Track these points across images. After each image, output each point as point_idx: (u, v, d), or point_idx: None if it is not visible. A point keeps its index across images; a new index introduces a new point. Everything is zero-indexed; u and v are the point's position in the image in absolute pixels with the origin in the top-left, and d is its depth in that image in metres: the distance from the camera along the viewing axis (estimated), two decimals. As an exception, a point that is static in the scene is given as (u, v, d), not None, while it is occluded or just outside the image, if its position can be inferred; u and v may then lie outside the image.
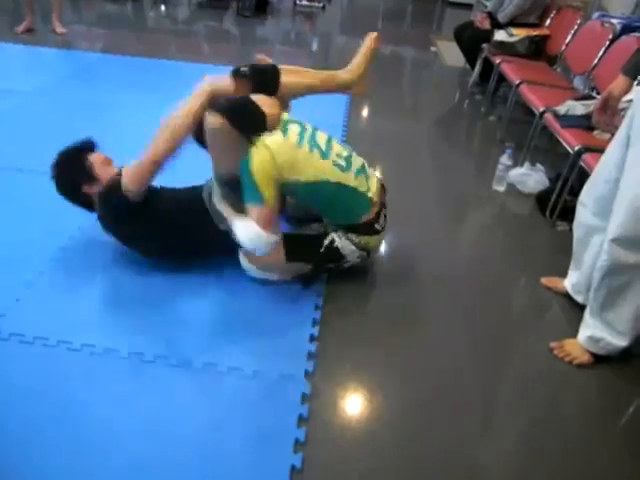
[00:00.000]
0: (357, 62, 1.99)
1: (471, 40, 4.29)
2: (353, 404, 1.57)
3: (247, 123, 1.69)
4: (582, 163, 2.30)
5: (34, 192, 2.36)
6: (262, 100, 1.74)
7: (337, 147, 1.86)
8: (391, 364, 1.72)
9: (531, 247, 2.44)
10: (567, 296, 2.05)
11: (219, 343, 1.71)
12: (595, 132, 2.46)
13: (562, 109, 2.69)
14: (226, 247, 1.95)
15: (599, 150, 1.93)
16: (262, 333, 1.77)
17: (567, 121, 2.60)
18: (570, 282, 2.04)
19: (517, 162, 2.98)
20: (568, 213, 2.32)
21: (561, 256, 2.14)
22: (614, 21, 3.25)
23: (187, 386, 1.55)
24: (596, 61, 3.12)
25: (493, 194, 2.84)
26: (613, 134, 1.77)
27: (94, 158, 1.91)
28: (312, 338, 1.75)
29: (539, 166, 2.89)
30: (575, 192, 2.02)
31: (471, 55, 4.43)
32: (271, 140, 1.71)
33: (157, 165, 1.77)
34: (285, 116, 1.83)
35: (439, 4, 8.69)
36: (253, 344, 1.72)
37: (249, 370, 1.61)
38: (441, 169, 3.11)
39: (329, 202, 1.85)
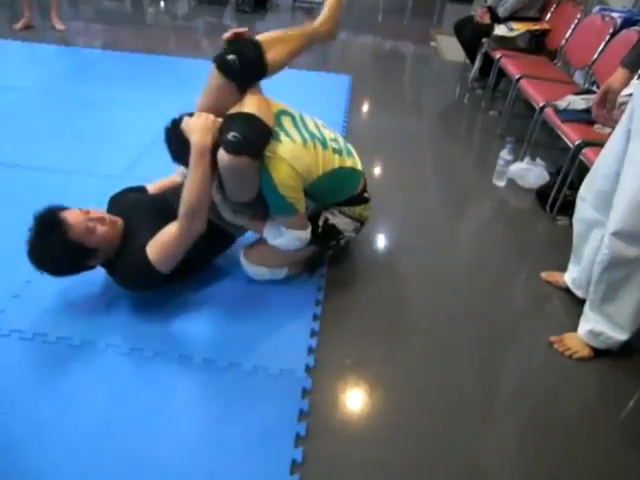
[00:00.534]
0: (325, 10, 1.92)
1: (471, 35, 4.28)
2: (353, 399, 1.58)
3: (262, 147, 1.61)
4: (582, 157, 2.29)
5: (32, 188, 2.36)
6: (255, 105, 1.65)
7: (327, 131, 1.88)
8: (391, 359, 1.72)
9: (531, 242, 2.44)
10: (567, 290, 2.05)
11: (219, 339, 1.71)
12: (595, 126, 2.45)
13: (562, 104, 2.68)
14: (225, 245, 1.96)
15: (599, 144, 1.93)
16: (262, 328, 1.77)
17: (567, 115, 2.59)
18: (570, 276, 2.04)
19: (517, 157, 2.97)
20: (568, 208, 2.32)
21: (561, 251, 2.14)
22: (614, 15, 3.23)
23: (187, 382, 1.56)
24: (596, 55, 3.10)
25: (493, 189, 2.84)
26: (613, 128, 1.76)
27: (71, 219, 1.60)
28: (313, 333, 1.75)
29: (539, 161, 2.89)
30: (575, 187, 2.01)
31: (471, 50, 4.41)
32: (284, 150, 1.65)
33: (190, 239, 1.66)
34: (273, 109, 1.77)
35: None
36: (253, 339, 1.72)
37: (249, 365, 1.61)
38: (441, 164, 3.10)
39: (332, 188, 1.85)
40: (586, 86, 3.14)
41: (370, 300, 1.97)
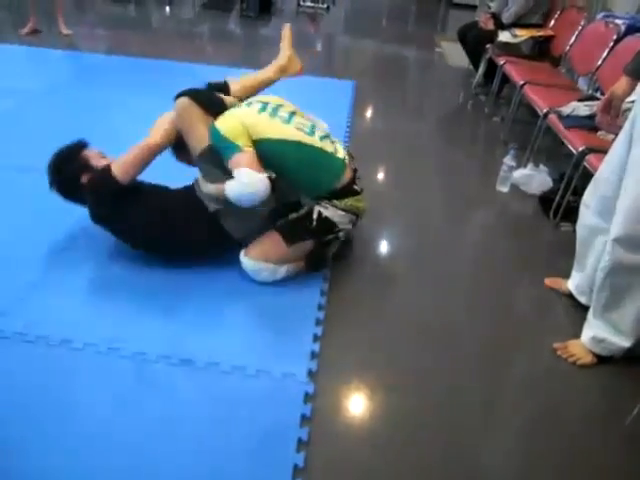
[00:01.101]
0: (283, 49, 2.24)
1: (475, 41, 4.29)
2: (356, 404, 1.58)
3: (208, 101, 1.90)
4: (586, 164, 2.29)
5: (37, 191, 2.36)
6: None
7: (300, 118, 1.98)
8: (394, 364, 1.72)
9: (534, 248, 2.44)
10: (571, 297, 2.04)
11: (222, 343, 1.71)
12: (599, 133, 2.45)
13: (566, 110, 2.68)
14: (225, 246, 1.96)
15: (603, 151, 1.93)
16: (265, 332, 1.77)
17: (571, 122, 2.59)
18: (574, 283, 2.03)
19: (521, 163, 2.97)
20: (572, 214, 2.32)
21: (565, 257, 2.14)
22: (618, 21, 3.23)
23: (190, 385, 1.56)
24: (600, 62, 3.11)
25: (497, 195, 2.84)
26: (617, 135, 1.76)
27: (88, 152, 2.01)
28: (315, 338, 1.76)
29: (543, 167, 2.89)
30: (579, 193, 2.01)
31: (475, 56, 4.42)
32: (234, 109, 1.93)
33: (148, 153, 1.91)
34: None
35: (443, 5, 8.69)
36: (256, 343, 1.73)
37: (252, 369, 1.61)
38: (445, 169, 3.11)
39: (299, 165, 1.89)
40: (590, 92, 3.14)
41: (373, 305, 1.97)
